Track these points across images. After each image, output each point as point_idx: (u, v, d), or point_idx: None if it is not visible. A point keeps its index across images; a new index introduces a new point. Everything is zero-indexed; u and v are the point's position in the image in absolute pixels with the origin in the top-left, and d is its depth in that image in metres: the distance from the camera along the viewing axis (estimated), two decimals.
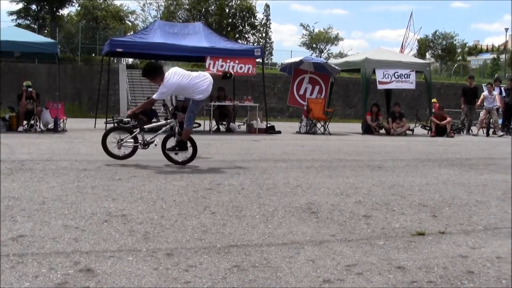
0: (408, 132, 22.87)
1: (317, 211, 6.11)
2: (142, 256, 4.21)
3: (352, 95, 43.07)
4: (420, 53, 70.47)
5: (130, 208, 5.98)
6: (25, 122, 18.72)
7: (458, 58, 78.54)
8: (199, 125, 22.37)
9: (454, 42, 79.39)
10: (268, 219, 5.61)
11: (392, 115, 22.91)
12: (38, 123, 18.69)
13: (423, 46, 74.85)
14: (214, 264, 4.07)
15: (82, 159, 10.40)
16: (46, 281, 3.61)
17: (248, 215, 5.80)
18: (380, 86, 23.20)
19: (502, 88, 26.76)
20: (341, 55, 68.28)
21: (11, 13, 55.84)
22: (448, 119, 22.70)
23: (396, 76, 22.86)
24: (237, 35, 62.64)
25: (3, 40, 18.58)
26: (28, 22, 55.72)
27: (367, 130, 22.59)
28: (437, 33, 78.69)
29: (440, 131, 22.31)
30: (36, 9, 56.06)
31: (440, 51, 78.08)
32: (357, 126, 25.67)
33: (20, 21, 55.47)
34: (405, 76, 22.94)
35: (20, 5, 55.12)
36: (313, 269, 4.02)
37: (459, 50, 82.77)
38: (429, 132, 23.35)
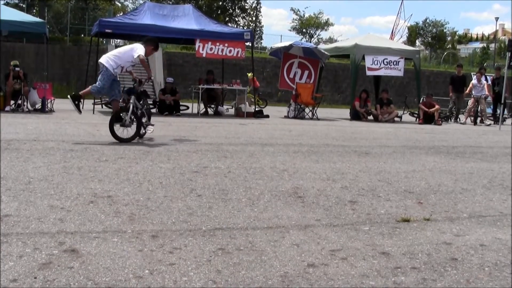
0: (396, 119, 22.92)
1: (303, 195, 6.12)
2: (127, 238, 4.21)
3: (341, 80, 43.06)
4: (410, 40, 70.50)
5: (116, 189, 5.97)
6: (12, 101, 18.60)
7: (448, 46, 78.64)
8: (187, 107, 22.32)
9: (444, 30, 79.58)
10: (254, 203, 5.61)
11: (380, 102, 22.94)
12: (25, 103, 18.57)
13: (413, 33, 74.93)
14: (199, 246, 4.08)
15: (69, 139, 10.35)
16: (31, 261, 3.60)
17: (234, 198, 5.81)
18: (369, 73, 23.20)
19: (488, 78, 26.80)
20: (331, 40, 68.38)
21: None
22: (436, 106, 22.74)
23: (385, 63, 22.85)
24: (227, 18, 62.41)
25: None
26: (16, 1, 55.28)
27: (355, 116, 22.62)
28: (428, 20, 78.92)
29: (428, 119, 22.36)
30: None
31: (430, 38, 78.29)
32: (345, 112, 25.71)
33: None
34: (394, 63, 22.93)
35: None
36: (297, 253, 4.03)
37: (449, 38, 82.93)
38: (417, 119, 23.41)
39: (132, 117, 10.57)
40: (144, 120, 10.93)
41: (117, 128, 10.47)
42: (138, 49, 10.72)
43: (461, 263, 4.00)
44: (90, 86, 11.03)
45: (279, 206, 5.52)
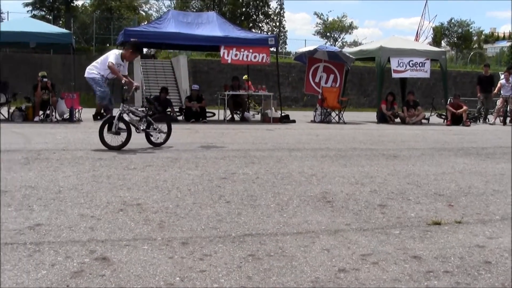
0: (423, 121, 22.76)
1: (332, 200, 6.10)
2: (157, 245, 4.22)
3: (366, 83, 42.88)
4: (436, 41, 69.96)
5: (145, 197, 6.00)
6: (41, 112, 18.81)
7: (474, 46, 77.99)
8: (214, 114, 22.37)
9: (470, 30, 78.89)
10: (283, 208, 5.60)
11: (407, 104, 22.79)
12: (53, 113, 18.74)
13: (439, 34, 74.34)
14: (229, 253, 4.08)
15: (97, 148, 10.41)
16: (63, 269, 3.63)
17: (263, 204, 5.80)
18: (394, 75, 23.05)
19: None
20: (355, 43, 68.02)
21: (27, 4, 56.13)
22: (464, 107, 22.55)
23: (411, 65, 22.70)
24: (250, 24, 62.52)
25: (20, 31, 18.66)
26: (43, 13, 55.97)
27: (382, 119, 22.49)
28: (453, 20, 78.28)
29: (456, 120, 22.17)
30: (51, 0, 56.20)
31: (455, 39, 77.66)
32: (372, 115, 25.58)
33: (35, 12, 55.75)
34: (420, 64, 22.77)
35: None
36: (328, 258, 4.01)
37: (475, 38, 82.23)
38: (445, 121, 23.23)
39: (122, 124, 10.63)
40: (153, 127, 11.07)
41: (109, 135, 10.58)
42: (110, 56, 10.88)
43: (495, 266, 3.95)
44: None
45: (308, 211, 5.50)
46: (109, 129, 10.60)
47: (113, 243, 4.24)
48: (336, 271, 3.73)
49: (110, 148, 10.37)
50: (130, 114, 11.07)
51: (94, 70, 10.91)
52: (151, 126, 11.11)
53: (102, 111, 11.06)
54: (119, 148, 10.38)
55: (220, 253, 4.06)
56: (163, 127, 11.22)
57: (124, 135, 10.54)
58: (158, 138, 11.18)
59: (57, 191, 6.20)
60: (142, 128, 10.98)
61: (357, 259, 4.00)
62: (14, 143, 11.16)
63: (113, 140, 10.55)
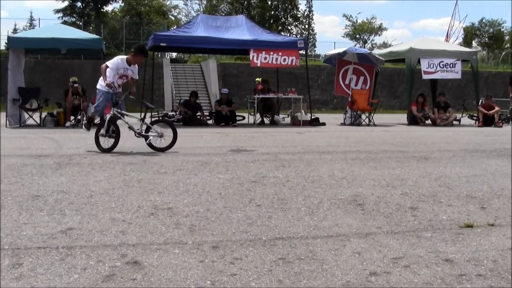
0: (454, 122, 22.56)
1: (363, 203, 6.07)
2: (188, 249, 4.23)
3: (396, 85, 42.64)
4: (466, 42, 69.27)
5: (176, 201, 6.02)
6: (72, 117, 19.00)
7: (506, 46, 77.07)
8: (243, 117, 22.41)
9: (502, 29, 77.99)
10: (314, 212, 5.59)
11: (438, 105, 22.61)
12: (84, 118, 18.90)
13: (469, 34, 73.60)
14: (259, 256, 4.08)
15: (128, 153, 10.49)
16: (94, 273, 3.66)
17: (293, 207, 5.79)
18: (425, 76, 22.86)
19: None
20: (385, 45, 67.77)
21: (57, 11, 56.81)
22: (496, 108, 22.31)
23: (442, 66, 22.51)
24: (279, 27, 62.53)
25: (51, 38, 18.88)
26: (73, 19, 56.57)
27: (413, 121, 22.35)
28: (484, 20, 77.40)
29: (487, 121, 21.94)
30: (81, 6, 56.83)
31: (487, 39, 76.81)
32: (402, 117, 25.41)
33: (66, 18, 56.38)
34: (451, 65, 22.58)
35: (66, 3, 55.99)
36: (359, 261, 3.99)
37: (507, 38, 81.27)
38: (476, 122, 23.00)
39: (112, 127, 10.93)
40: (151, 131, 11.09)
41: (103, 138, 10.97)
42: (111, 60, 11.32)
43: None
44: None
45: (339, 214, 5.49)
46: (106, 132, 10.98)
47: (144, 247, 4.27)
48: (367, 275, 3.72)
49: (103, 150, 10.73)
50: (125, 117, 11.27)
51: (100, 81, 11.28)
52: (150, 130, 11.11)
53: (96, 120, 11.30)
54: (109, 151, 10.68)
55: (250, 257, 4.07)
56: (167, 131, 11.07)
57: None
58: (158, 142, 11.07)
59: (88, 196, 6.25)
60: (138, 131, 11.09)
61: (388, 263, 3.98)
62: (46, 148, 11.28)
63: (106, 142, 10.89)
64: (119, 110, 11.17)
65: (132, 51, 11.49)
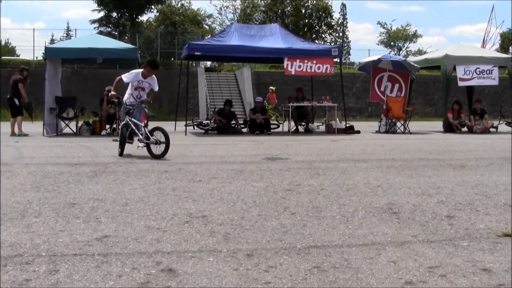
0: (491, 129, 22.32)
1: (398, 211, 6.02)
2: (222, 257, 4.24)
3: (432, 92, 42.34)
4: (503, 48, 68.52)
5: (210, 209, 6.04)
6: (107, 126, 19.19)
7: None
8: (278, 125, 22.41)
9: None
10: (349, 220, 5.56)
11: (474, 112, 22.39)
12: (120, 127, 19.08)
13: (506, 40, 72.74)
14: (294, 265, 4.07)
15: (162, 161, 10.56)
16: (130, 280, 3.68)
17: (328, 215, 5.77)
18: (461, 83, 22.65)
19: None
20: (420, 52, 67.37)
21: (93, 21, 57.51)
22: None
23: (478, 72, 22.27)
24: (313, 35, 62.56)
25: (87, 48, 19.12)
26: (109, 29, 57.17)
27: (449, 128, 22.16)
28: None
29: None
30: (117, 17, 57.41)
31: None
32: (438, 125, 25.21)
33: (101, 28, 56.98)
34: (487, 72, 22.33)
35: (102, 13, 56.62)
36: (394, 270, 3.96)
37: None
38: None
39: (126, 134, 11.79)
40: (152, 139, 11.30)
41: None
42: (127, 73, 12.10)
43: None
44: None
45: (374, 223, 5.45)
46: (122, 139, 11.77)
47: (179, 255, 4.28)
48: (402, 284, 3.68)
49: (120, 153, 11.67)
50: (133, 126, 11.66)
51: (126, 94, 12.09)
52: (151, 138, 11.28)
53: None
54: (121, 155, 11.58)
55: (285, 265, 4.06)
56: (161, 137, 11.25)
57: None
58: (156, 149, 11.26)
59: (124, 204, 6.30)
60: (140, 139, 11.44)
61: (424, 272, 3.94)
62: (82, 156, 11.40)
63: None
64: (130, 119, 11.66)
65: (146, 65, 11.92)
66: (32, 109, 19.52)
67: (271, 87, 25.38)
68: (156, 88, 11.95)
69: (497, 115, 26.82)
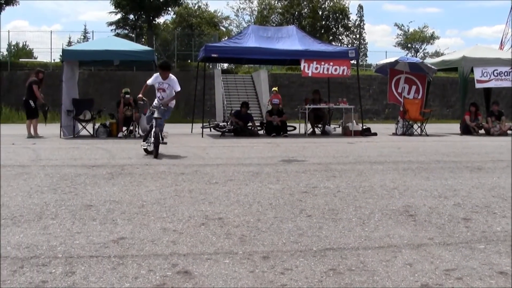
0: (509, 132, 22.18)
1: (415, 214, 6.00)
2: (238, 259, 4.24)
3: (449, 94, 42.17)
4: None
5: (226, 211, 6.04)
6: (124, 128, 19.27)
7: None
8: (295, 128, 22.39)
9: None
10: (365, 222, 5.55)
11: (491, 114, 22.27)
12: (136, 129, 19.18)
13: None
14: (310, 267, 4.06)
15: (179, 163, 10.59)
16: (145, 282, 3.69)
17: (344, 218, 5.76)
18: (478, 85, 22.50)
19: None
20: (437, 54, 67.10)
21: (110, 24, 57.76)
22: None
23: (496, 74, 22.14)
24: (330, 37, 62.50)
25: (104, 50, 19.22)
26: (126, 31, 57.40)
27: (466, 130, 22.06)
28: None
29: None
30: (134, 19, 57.60)
31: None
32: (455, 127, 25.11)
33: (118, 31, 57.25)
34: (505, 73, 22.17)
35: (119, 16, 56.87)
36: (410, 273, 3.95)
37: None
38: None
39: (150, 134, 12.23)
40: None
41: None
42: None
43: None
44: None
45: (390, 225, 5.43)
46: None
47: (195, 257, 4.29)
48: (419, 286, 3.67)
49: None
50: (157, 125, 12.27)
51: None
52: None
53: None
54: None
55: (301, 267, 4.06)
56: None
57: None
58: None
59: (140, 205, 6.32)
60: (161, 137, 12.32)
61: (440, 274, 3.92)
62: (99, 158, 11.45)
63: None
64: (155, 116, 12.19)
65: (159, 68, 12.79)
66: (47, 111, 19.61)
67: (274, 88, 25.35)
68: (177, 89, 12.53)
69: None
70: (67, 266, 4.03)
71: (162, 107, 12.40)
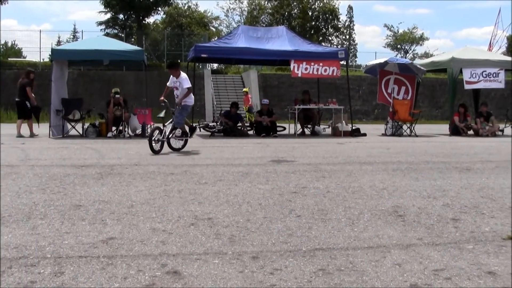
0: (497, 132, 22.27)
1: (404, 214, 6.02)
2: (228, 259, 4.24)
3: (438, 95, 42.30)
4: (510, 51, 68.33)
5: (216, 211, 6.04)
6: (114, 128, 19.21)
7: None
8: (284, 128, 22.40)
9: None
10: (354, 223, 5.56)
11: (480, 115, 22.36)
12: (126, 129, 19.13)
13: None
14: (299, 267, 4.07)
15: (169, 163, 10.57)
16: (135, 282, 3.69)
17: (333, 218, 5.77)
18: (467, 86, 22.58)
19: None
20: (426, 55, 67.22)
21: (100, 23, 57.74)
22: None
23: (484, 75, 22.22)
24: (320, 38, 62.56)
25: (93, 49, 19.17)
26: (116, 31, 57.33)
27: (455, 131, 22.13)
28: None
29: None
30: (123, 19, 57.53)
31: None
32: (444, 127, 25.19)
33: (108, 30, 57.21)
34: (494, 75, 22.27)
35: (108, 15, 56.77)
36: (399, 273, 3.96)
37: None
38: None
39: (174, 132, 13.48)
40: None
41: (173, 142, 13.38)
42: None
43: None
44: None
45: (380, 226, 5.45)
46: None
47: (184, 257, 4.29)
48: (407, 286, 3.68)
49: (173, 149, 13.30)
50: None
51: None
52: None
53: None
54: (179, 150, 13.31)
55: (290, 268, 4.06)
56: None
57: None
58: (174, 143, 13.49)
59: (129, 206, 6.31)
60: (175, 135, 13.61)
61: (429, 275, 3.94)
62: (88, 158, 11.42)
63: (176, 143, 13.51)
64: (160, 116, 13.38)
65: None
66: (39, 113, 19.54)
67: (245, 89, 25.37)
68: (185, 85, 13.33)
69: (503, 118, 26.75)
70: (56, 266, 4.02)
71: (177, 107, 13.25)
